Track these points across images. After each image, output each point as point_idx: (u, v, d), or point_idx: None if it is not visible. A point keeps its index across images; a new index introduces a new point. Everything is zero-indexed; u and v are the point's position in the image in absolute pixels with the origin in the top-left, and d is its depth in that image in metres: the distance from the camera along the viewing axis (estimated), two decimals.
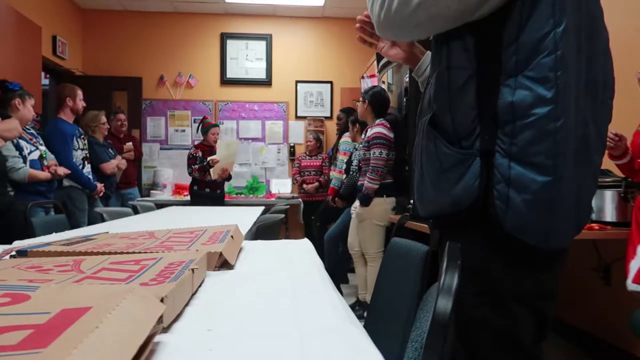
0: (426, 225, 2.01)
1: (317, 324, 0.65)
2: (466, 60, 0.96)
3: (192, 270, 0.83)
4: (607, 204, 2.22)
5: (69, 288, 0.59)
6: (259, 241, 1.58)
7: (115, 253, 1.06)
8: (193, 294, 0.84)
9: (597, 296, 2.67)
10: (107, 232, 1.48)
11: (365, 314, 1.58)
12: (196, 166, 4.63)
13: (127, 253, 1.06)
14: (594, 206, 2.23)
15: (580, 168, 0.93)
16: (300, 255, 1.27)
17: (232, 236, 1.29)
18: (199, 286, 0.91)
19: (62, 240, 1.26)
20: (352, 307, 3.54)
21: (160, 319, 0.60)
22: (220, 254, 1.08)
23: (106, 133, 4.43)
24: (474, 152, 0.95)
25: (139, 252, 1.06)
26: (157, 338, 0.58)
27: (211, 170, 4.57)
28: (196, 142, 4.95)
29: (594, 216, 2.22)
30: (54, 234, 1.87)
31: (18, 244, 1.61)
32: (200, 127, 4.85)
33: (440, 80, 1.01)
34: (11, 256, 1.05)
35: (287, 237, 5.82)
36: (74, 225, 3.59)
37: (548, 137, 0.89)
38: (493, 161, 0.93)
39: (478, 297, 0.97)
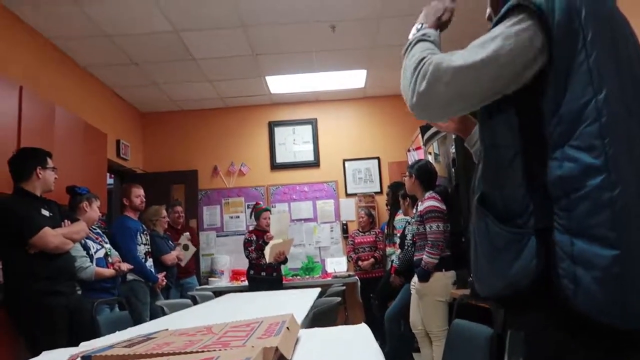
0: (488, 304, 1.91)
1: None
2: (511, 137, 0.95)
3: None
4: None
5: None
6: (315, 329, 1.55)
7: (174, 354, 1.06)
8: None
9: None
10: (167, 329, 1.49)
11: None
12: (252, 247, 4.74)
13: (185, 353, 1.06)
14: None
15: None
16: (357, 346, 1.22)
17: (287, 327, 1.27)
18: None
19: (124, 342, 1.28)
20: None
21: None
22: (277, 349, 1.06)
23: (166, 226, 4.63)
24: (529, 230, 0.91)
25: (197, 352, 1.06)
26: None
27: (266, 254, 4.62)
28: (250, 228, 5.06)
29: None
30: (117, 332, 1.91)
31: (84, 345, 1.66)
32: (253, 213, 5.02)
33: (487, 159, 1.00)
34: None
35: (346, 317, 5.66)
36: (136, 318, 3.67)
37: (605, 207, 0.85)
38: (552, 238, 0.88)
39: None
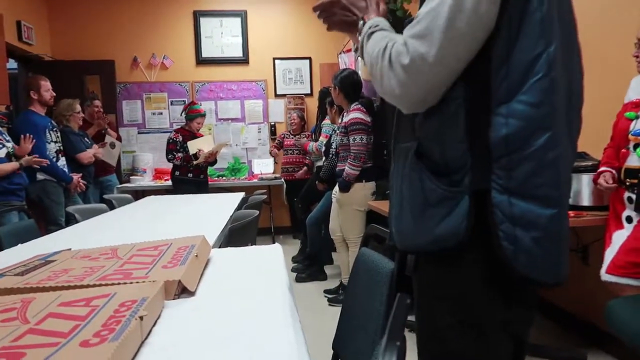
0: None
1: None
2: (457, 89, 0.89)
3: (141, 317, 0.79)
4: (583, 188, 2.21)
5: None
6: (228, 249, 1.55)
7: (69, 287, 1.02)
8: (144, 340, 0.80)
9: (579, 277, 2.70)
10: (70, 249, 1.43)
11: None
12: (179, 154, 4.53)
13: (81, 287, 1.01)
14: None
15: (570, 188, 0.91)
16: (266, 270, 1.24)
17: (196, 255, 1.25)
18: (154, 324, 0.88)
19: (18, 266, 1.21)
20: (336, 290, 3.55)
21: None
22: (179, 282, 1.05)
23: (81, 122, 4.31)
24: (463, 189, 0.88)
25: (93, 285, 1.02)
26: None
27: (198, 154, 4.48)
28: (175, 126, 4.80)
29: (570, 200, 2.21)
30: (19, 245, 1.81)
31: None
32: (186, 112, 4.69)
33: (430, 110, 0.93)
34: None
35: (271, 218, 5.81)
36: (51, 219, 3.54)
37: (549, 167, 0.84)
38: (490, 199, 0.87)
39: (457, 326, 0.93)
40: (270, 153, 5.48)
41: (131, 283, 1.03)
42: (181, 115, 4.72)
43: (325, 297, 3.51)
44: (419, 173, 0.95)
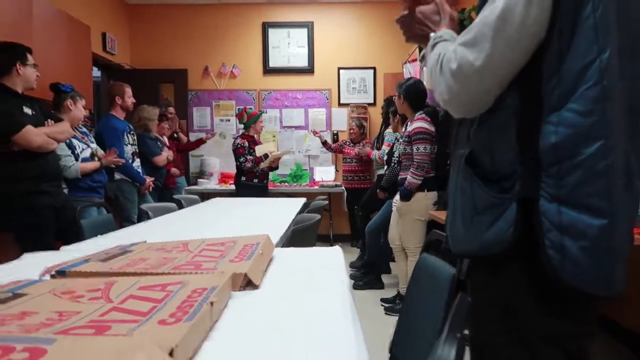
0: None
1: None
2: (508, 98, 0.90)
3: (211, 303, 0.85)
4: None
5: (83, 342, 0.61)
6: (290, 249, 1.60)
7: (146, 274, 1.10)
8: (213, 325, 0.86)
9: None
10: (145, 242, 1.53)
11: None
12: (250, 157, 4.60)
13: (157, 274, 1.09)
14: None
15: (626, 200, 0.87)
16: (327, 272, 1.27)
17: (261, 251, 1.31)
18: (221, 312, 0.93)
19: (100, 254, 1.32)
20: (393, 299, 3.53)
21: None
22: (245, 275, 1.10)
23: (160, 131, 4.61)
24: (511, 196, 0.89)
25: (168, 273, 1.09)
26: None
27: (265, 160, 4.61)
28: (241, 132, 4.97)
29: None
30: (99, 236, 1.96)
31: (65, 249, 1.70)
32: (244, 120, 4.76)
33: (482, 118, 0.95)
34: (51, 276, 1.11)
35: (331, 225, 5.85)
36: (124, 216, 3.77)
37: (600, 176, 0.82)
38: (538, 207, 0.86)
39: (507, 337, 0.92)
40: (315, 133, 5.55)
41: (202, 273, 1.10)
42: (241, 123, 4.84)
43: (382, 305, 3.49)
44: (470, 180, 0.97)
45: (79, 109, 3.24)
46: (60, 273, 1.12)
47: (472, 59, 0.90)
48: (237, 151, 4.66)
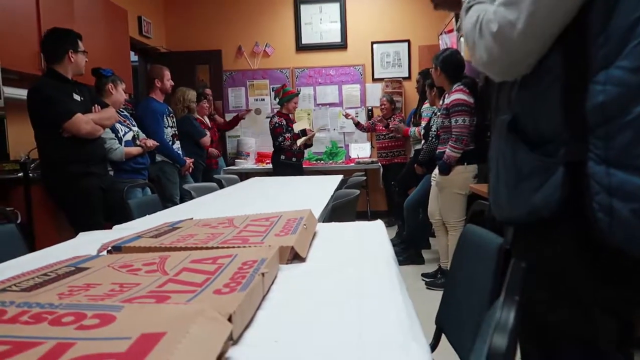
0: None
1: (381, 339, 0.67)
2: (552, 58, 0.88)
3: (263, 274, 0.87)
4: None
5: (148, 309, 0.65)
6: (332, 224, 1.62)
7: (196, 248, 1.14)
8: (264, 295, 0.88)
9: None
10: (192, 219, 1.58)
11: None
12: (288, 134, 4.65)
13: (207, 248, 1.13)
14: None
15: None
16: (371, 244, 1.28)
17: (304, 225, 1.33)
18: (272, 284, 0.96)
19: (151, 230, 1.37)
20: (435, 274, 3.52)
21: (230, 335, 0.65)
22: (292, 248, 1.12)
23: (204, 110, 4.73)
24: (558, 160, 0.87)
25: (217, 247, 1.13)
26: (227, 353, 0.63)
27: (301, 139, 4.67)
28: (277, 110, 5.01)
29: None
30: (147, 216, 2.03)
31: (117, 228, 1.78)
32: (279, 96, 4.81)
33: (524, 80, 0.93)
34: (108, 251, 1.17)
35: (368, 202, 5.85)
36: (167, 196, 3.88)
37: None
38: (586, 170, 0.83)
39: (555, 302, 0.92)
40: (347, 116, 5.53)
41: (249, 247, 1.13)
42: (275, 99, 4.88)
43: (423, 280, 3.50)
44: (513, 145, 0.95)
45: (120, 93, 3.32)
46: (117, 249, 1.17)
47: (514, 19, 0.87)
48: (275, 130, 4.69)
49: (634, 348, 0.99)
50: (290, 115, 4.88)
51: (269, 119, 4.91)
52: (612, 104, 0.81)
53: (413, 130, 4.45)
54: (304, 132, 4.70)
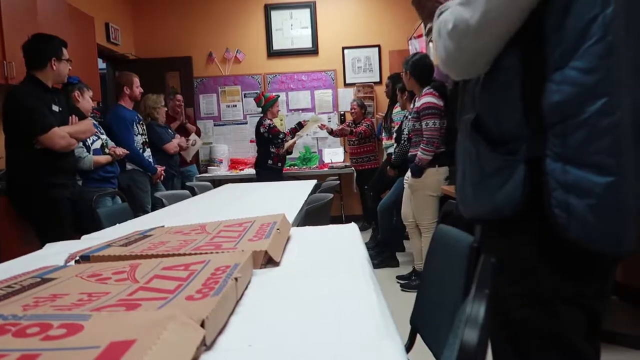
0: None
1: (356, 340, 0.67)
2: (511, 58, 0.90)
3: (236, 279, 0.86)
4: None
5: (117, 317, 0.63)
6: (307, 228, 1.61)
7: (168, 255, 1.12)
8: (238, 301, 0.87)
9: None
10: (163, 226, 1.55)
11: None
12: (287, 130, 4.92)
13: (179, 255, 1.11)
14: None
15: (637, 158, 0.86)
16: (345, 246, 1.28)
17: (278, 229, 1.32)
18: (245, 289, 0.95)
19: (121, 239, 1.34)
20: (409, 276, 3.55)
21: (203, 340, 0.64)
22: (266, 252, 1.12)
23: (164, 116, 4.60)
24: (519, 158, 0.89)
25: (189, 254, 1.11)
26: (200, 359, 0.62)
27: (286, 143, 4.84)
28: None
29: None
30: (117, 225, 1.99)
31: (86, 237, 1.74)
32: (261, 103, 4.87)
33: (485, 80, 0.95)
34: (76, 261, 1.14)
35: (342, 207, 5.87)
36: (138, 206, 3.81)
37: (605, 134, 0.82)
38: (544, 167, 0.86)
39: (523, 298, 0.94)
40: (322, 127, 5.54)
41: (223, 252, 1.11)
42: (259, 106, 4.91)
43: (398, 282, 3.52)
44: (477, 144, 0.97)
45: (86, 100, 3.25)
46: (85, 258, 1.14)
47: (468, 17, 0.90)
48: (272, 130, 4.77)
49: (601, 340, 1.02)
50: (274, 119, 4.95)
51: (258, 124, 4.89)
52: (567, 103, 0.83)
53: (387, 143, 4.51)
54: (300, 125, 4.97)
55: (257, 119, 5.93)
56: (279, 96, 5.13)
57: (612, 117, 0.82)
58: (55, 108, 2.66)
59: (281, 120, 6.06)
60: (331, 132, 5.48)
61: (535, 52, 0.87)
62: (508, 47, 0.91)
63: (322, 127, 5.48)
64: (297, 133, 4.89)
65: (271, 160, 4.83)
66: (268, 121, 4.81)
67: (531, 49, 0.88)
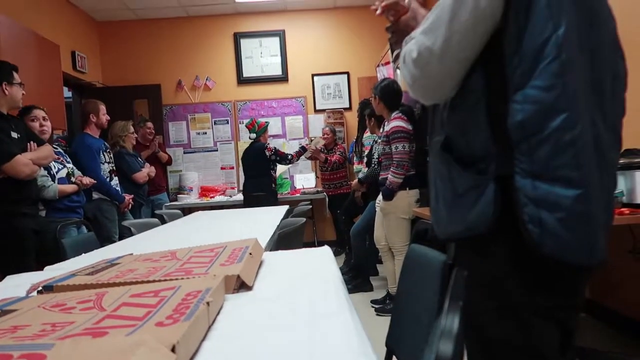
0: None
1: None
2: (475, 80, 0.94)
3: (208, 303, 0.84)
4: (638, 186, 2.14)
5: (83, 344, 0.60)
6: (279, 252, 1.60)
7: (136, 282, 1.08)
8: (210, 326, 0.85)
9: (636, 279, 2.60)
10: (132, 254, 1.51)
11: None
12: (294, 152, 5.05)
13: (148, 282, 1.08)
14: (624, 188, 2.16)
15: (600, 171, 0.90)
16: (318, 269, 1.27)
17: (250, 253, 1.30)
18: (218, 314, 0.93)
19: (87, 268, 1.29)
20: (383, 300, 3.54)
21: None
22: (238, 277, 1.10)
23: (134, 142, 4.52)
24: (488, 176, 0.91)
25: (159, 281, 1.08)
26: None
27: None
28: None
29: (624, 199, 2.15)
30: (83, 254, 1.92)
31: (49, 269, 1.67)
32: (255, 129, 4.95)
33: (452, 102, 0.99)
34: (38, 292, 1.09)
35: (314, 232, 5.85)
36: (105, 236, 3.70)
37: (567, 148, 0.85)
38: (514, 184, 0.89)
39: (497, 312, 0.95)
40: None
41: (194, 278, 1.09)
42: (253, 132, 4.97)
43: (372, 307, 3.50)
44: (447, 164, 1.00)
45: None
46: (48, 288, 1.10)
47: (430, 44, 0.94)
48: (279, 153, 4.90)
49: (575, 355, 1.03)
50: None
51: (261, 147, 4.89)
52: (530, 121, 0.87)
53: (358, 167, 4.54)
54: (303, 149, 5.11)
55: (229, 145, 5.91)
56: (268, 123, 5.22)
57: (573, 131, 0.85)
58: (14, 135, 2.59)
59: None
60: (310, 157, 5.49)
61: (498, 74, 0.90)
62: (472, 70, 0.95)
63: (314, 149, 5.43)
64: (305, 154, 5.14)
65: (274, 183, 5.00)
66: (272, 145, 5.01)
67: (494, 70, 0.91)
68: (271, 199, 4.79)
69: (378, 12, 1.18)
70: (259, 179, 4.89)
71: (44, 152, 2.75)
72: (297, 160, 5.16)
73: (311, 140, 5.99)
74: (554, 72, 0.85)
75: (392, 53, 1.28)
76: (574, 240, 0.87)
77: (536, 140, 0.86)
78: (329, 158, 5.21)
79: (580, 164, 0.86)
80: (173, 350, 0.62)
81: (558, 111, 0.85)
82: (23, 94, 2.71)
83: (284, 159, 4.95)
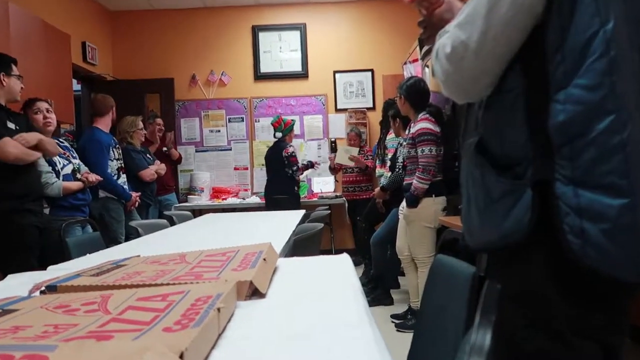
0: None
1: None
2: (514, 79, 0.92)
3: (218, 309, 0.85)
4: None
5: (87, 347, 0.61)
6: (295, 259, 1.60)
7: (143, 285, 1.09)
8: (220, 333, 0.85)
9: None
10: (139, 256, 1.53)
11: None
12: (301, 166, 5.00)
13: (155, 285, 1.09)
14: None
15: None
16: (336, 277, 1.27)
17: (264, 259, 1.30)
18: (228, 321, 0.93)
19: (92, 269, 1.31)
20: (404, 315, 3.51)
21: None
22: (251, 283, 1.10)
23: (143, 139, 4.58)
24: (525, 182, 0.90)
25: (167, 284, 1.09)
26: None
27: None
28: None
29: None
30: (87, 255, 1.95)
31: (52, 268, 1.70)
32: (281, 128, 4.97)
33: (489, 103, 0.98)
34: (41, 292, 1.11)
35: (332, 239, 5.84)
36: (111, 237, 3.75)
37: (615, 152, 0.83)
38: (554, 191, 0.87)
39: (535, 329, 0.93)
40: (331, 167, 5.56)
41: (204, 282, 1.09)
42: (279, 131, 4.99)
43: (393, 322, 3.48)
44: (481, 168, 0.99)
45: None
46: (51, 288, 1.11)
47: (465, 38, 0.93)
48: (291, 159, 4.87)
49: None
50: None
51: (283, 147, 4.94)
52: (572, 123, 0.85)
53: (380, 172, 4.53)
54: (310, 164, 5.10)
55: (243, 144, 5.92)
56: (294, 121, 5.28)
57: (622, 135, 0.83)
58: (11, 125, 2.64)
59: (267, 146, 6.07)
60: (331, 169, 5.52)
61: (538, 72, 0.89)
62: (510, 68, 0.93)
63: (352, 158, 5.14)
64: (305, 172, 5.11)
65: (297, 186, 5.01)
66: (292, 148, 4.97)
67: (534, 68, 0.90)
68: (293, 202, 4.78)
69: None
70: (281, 180, 4.91)
71: (35, 136, 2.71)
72: (300, 174, 5.09)
73: (333, 145, 5.98)
74: (601, 70, 0.83)
75: (421, 49, 1.27)
76: (619, 254, 0.84)
77: (580, 143, 0.85)
78: (368, 165, 5.18)
79: (628, 171, 0.83)
80: (181, 357, 0.62)
81: (605, 112, 0.83)
82: (22, 87, 2.76)
83: (291, 165, 4.90)
